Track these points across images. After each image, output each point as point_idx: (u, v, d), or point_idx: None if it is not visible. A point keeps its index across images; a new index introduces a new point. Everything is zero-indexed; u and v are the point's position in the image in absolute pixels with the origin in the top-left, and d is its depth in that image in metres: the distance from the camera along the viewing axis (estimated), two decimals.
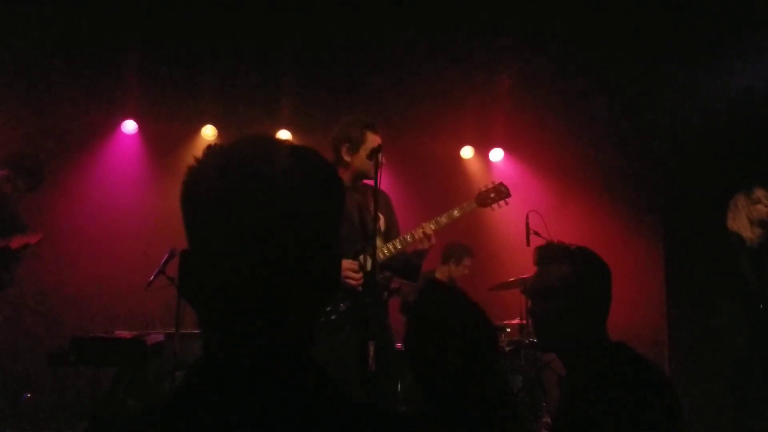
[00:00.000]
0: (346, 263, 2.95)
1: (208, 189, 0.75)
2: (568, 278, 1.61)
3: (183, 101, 5.17)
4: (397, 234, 3.16)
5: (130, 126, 5.29)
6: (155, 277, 3.54)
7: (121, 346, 3.29)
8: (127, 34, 4.78)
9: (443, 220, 3.14)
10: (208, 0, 4.50)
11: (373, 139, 3.09)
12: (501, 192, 3.43)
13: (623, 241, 5.39)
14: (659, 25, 4.65)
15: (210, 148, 0.80)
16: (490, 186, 3.43)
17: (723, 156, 4.77)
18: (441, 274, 4.76)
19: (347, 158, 3.10)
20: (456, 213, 3.22)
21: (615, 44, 4.92)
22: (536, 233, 4.19)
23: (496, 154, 5.95)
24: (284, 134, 5.41)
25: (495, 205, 3.42)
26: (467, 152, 5.93)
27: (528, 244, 4.20)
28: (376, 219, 2.96)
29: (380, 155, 2.92)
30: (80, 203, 5.02)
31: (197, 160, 0.79)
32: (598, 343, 1.59)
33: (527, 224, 4.22)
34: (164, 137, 5.27)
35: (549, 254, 1.69)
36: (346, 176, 3.10)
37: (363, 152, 3.07)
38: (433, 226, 3.07)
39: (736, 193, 3.96)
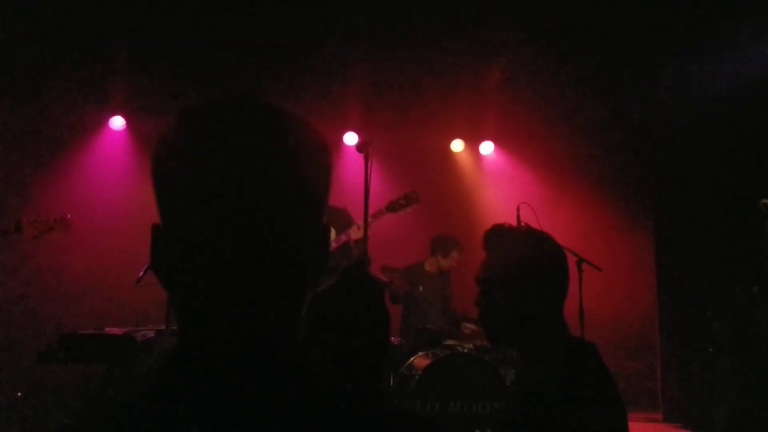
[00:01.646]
0: None
1: (180, 157, 0.68)
2: (518, 264, 1.48)
3: (171, 97, 5.13)
4: None
5: (118, 122, 5.26)
6: (144, 273, 3.50)
7: (111, 342, 3.25)
8: (115, 31, 4.74)
9: (360, 224, 3.68)
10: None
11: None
12: (410, 198, 4.06)
13: (614, 232, 5.41)
14: (651, 18, 4.66)
15: (183, 113, 0.71)
16: (401, 194, 4.07)
17: (713, 148, 4.78)
18: (429, 265, 4.76)
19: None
20: (370, 219, 3.64)
21: (606, 37, 4.93)
22: (527, 225, 4.19)
23: (487, 147, 5.95)
24: None
25: (404, 212, 4.04)
26: (458, 145, 5.93)
27: None
28: (366, 214, 3.04)
29: (369, 148, 2.94)
30: (69, 199, 4.98)
31: (169, 125, 0.70)
32: (556, 334, 1.47)
33: (518, 217, 4.21)
34: (152, 133, 5.22)
35: (497, 239, 1.55)
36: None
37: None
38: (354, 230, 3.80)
39: None
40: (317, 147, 0.73)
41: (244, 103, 0.72)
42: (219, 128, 0.69)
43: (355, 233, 3.81)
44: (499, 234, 1.55)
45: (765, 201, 3.46)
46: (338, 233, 3.88)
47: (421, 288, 4.56)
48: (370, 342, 1.19)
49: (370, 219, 3.56)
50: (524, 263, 1.48)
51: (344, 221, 3.95)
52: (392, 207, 4.00)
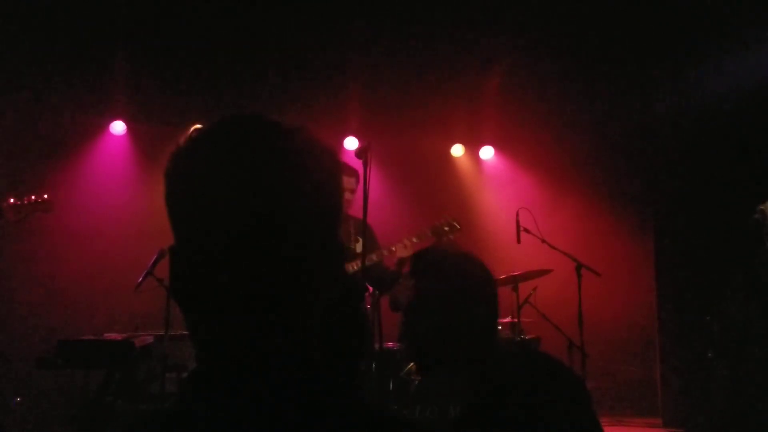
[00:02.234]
0: None
1: (195, 177, 0.68)
2: (445, 293, 1.42)
3: (171, 101, 5.15)
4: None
5: (118, 127, 5.26)
6: (144, 278, 3.51)
7: (110, 348, 3.26)
8: (115, 35, 4.76)
9: (414, 240, 3.77)
10: (196, 1, 4.49)
11: (345, 181, 3.41)
12: (454, 228, 3.97)
13: (614, 237, 5.40)
14: (650, 22, 4.67)
15: (196, 132, 0.72)
16: (444, 219, 3.97)
17: (714, 153, 4.79)
18: None
19: None
20: (414, 240, 3.81)
21: (605, 42, 4.94)
22: (526, 230, 4.19)
23: (487, 152, 5.95)
24: None
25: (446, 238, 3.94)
26: (458, 150, 5.93)
27: (518, 242, 4.21)
28: (366, 219, 3.07)
29: (368, 154, 2.95)
30: (69, 205, 4.97)
31: (181, 145, 0.70)
32: (489, 357, 1.41)
33: (518, 221, 4.22)
34: (153, 138, 5.23)
35: (422, 265, 1.50)
36: None
37: None
38: (408, 243, 3.74)
39: None
40: (331, 164, 0.73)
41: (253, 122, 0.72)
42: (230, 149, 0.68)
43: (402, 251, 3.77)
44: (424, 259, 1.52)
45: (762, 207, 3.45)
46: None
47: None
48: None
49: (414, 239, 3.75)
50: (450, 289, 1.43)
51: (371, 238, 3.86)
52: (437, 233, 3.94)
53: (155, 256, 3.51)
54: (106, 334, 3.63)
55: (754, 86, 4.56)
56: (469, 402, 1.39)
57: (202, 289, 0.68)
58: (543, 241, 4.15)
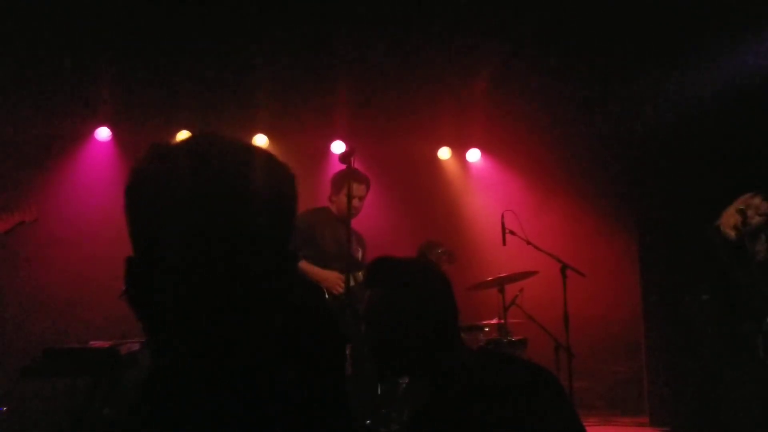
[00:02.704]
0: (335, 273, 3.67)
1: (154, 190, 0.71)
2: (402, 303, 1.43)
3: (157, 107, 5.14)
4: None
5: (104, 133, 5.25)
6: None
7: (95, 356, 3.24)
8: (100, 41, 4.73)
9: None
10: (181, 6, 4.48)
11: (355, 188, 3.61)
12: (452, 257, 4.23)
13: (598, 238, 5.45)
14: (632, 27, 4.71)
15: (154, 147, 0.75)
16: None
17: (696, 155, 4.84)
18: None
19: (333, 199, 3.91)
20: None
21: (589, 45, 4.97)
22: (512, 232, 4.22)
23: (473, 155, 5.98)
24: (260, 139, 5.39)
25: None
26: (444, 153, 5.96)
27: (504, 243, 4.23)
28: (350, 229, 3.11)
29: (352, 158, 2.97)
30: (54, 211, 4.96)
31: (141, 160, 0.74)
32: (451, 361, 1.41)
33: (503, 224, 4.25)
34: (139, 144, 5.21)
35: (379, 274, 1.50)
36: (334, 210, 3.91)
37: (342, 196, 3.67)
38: None
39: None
40: (282, 177, 0.77)
41: (212, 139, 0.75)
42: (187, 165, 0.71)
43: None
44: (380, 269, 1.51)
45: (741, 208, 3.51)
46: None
47: None
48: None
49: None
50: (406, 297, 1.44)
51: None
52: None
53: None
54: (92, 342, 3.61)
55: (735, 92, 4.62)
56: (422, 406, 1.39)
57: (160, 299, 0.70)
58: (528, 242, 4.18)
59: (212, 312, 0.70)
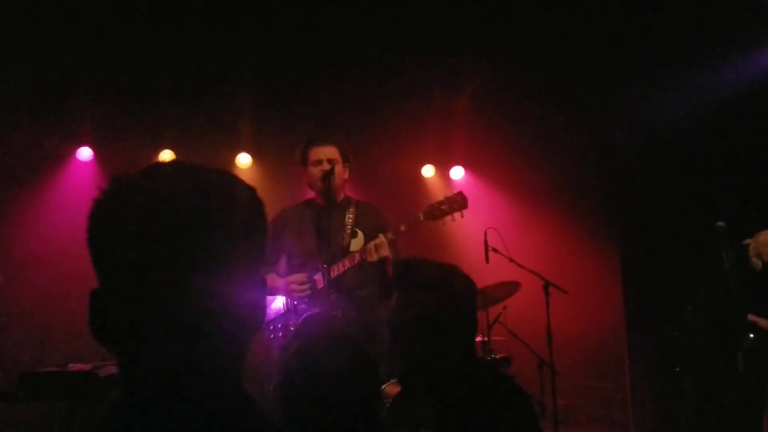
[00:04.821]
0: (294, 277, 3.05)
1: (106, 221, 0.72)
2: (430, 306, 1.40)
3: (140, 126, 5.12)
4: None
5: (85, 153, 5.21)
6: None
7: (73, 379, 3.20)
8: (82, 61, 4.73)
9: (389, 235, 3.08)
10: (163, 25, 4.49)
11: (314, 153, 3.16)
12: (454, 203, 3.17)
13: (582, 255, 5.47)
14: (614, 44, 4.79)
15: (116, 180, 0.76)
16: (443, 198, 3.23)
17: (677, 171, 4.91)
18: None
19: (306, 180, 3.25)
20: (402, 228, 3.11)
21: (572, 64, 5.05)
22: (495, 250, 4.24)
23: (457, 172, 6.01)
24: (243, 158, 5.38)
25: (449, 218, 3.20)
26: (428, 171, 5.98)
27: (487, 261, 4.24)
28: (329, 237, 2.98)
29: (332, 178, 2.96)
30: (35, 232, 4.90)
31: (104, 192, 0.75)
32: (467, 367, 1.42)
33: (485, 241, 4.26)
34: (121, 163, 5.19)
35: (406, 278, 1.47)
36: (317, 199, 3.24)
37: (309, 168, 3.17)
38: (390, 236, 3.06)
39: None
40: (248, 202, 0.76)
41: (172, 168, 0.77)
42: (151, 194, 0.72)
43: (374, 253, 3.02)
44: (408, 273, 1.48)
45: (721, 224, 3.55)
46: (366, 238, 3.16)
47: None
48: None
49: (403, 228, 3.04)
50: (435, 304, 1.41)
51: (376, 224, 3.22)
52: (431, 214, 3.15)
53: None
54: (70, 365, 3.56)
55: (715, 106, 4.70)
56: (439, 426, 1.38)
57: (124, 327, 0.71)
58: (511, 260, 4.19)
59: (173, 340, 0.70)
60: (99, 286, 0.74)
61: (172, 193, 0.72)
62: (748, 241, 3.14)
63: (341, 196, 3.28)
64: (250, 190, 0.78)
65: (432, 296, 1.42)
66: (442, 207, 3.17)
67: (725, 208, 3.99)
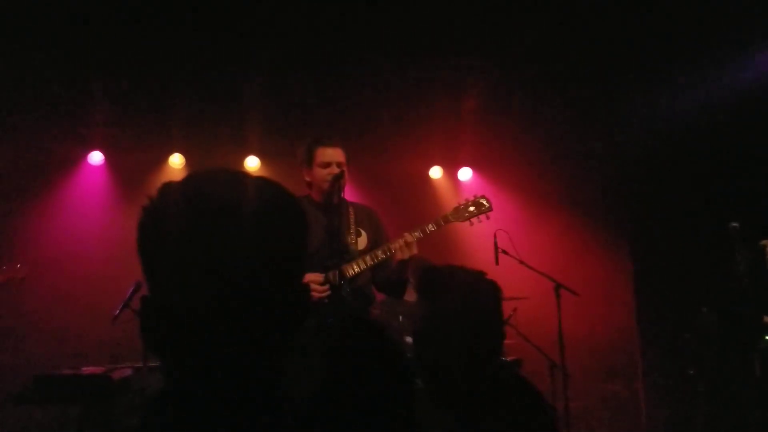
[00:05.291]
0: (310, 276, 2.95)
1: (168, 230, 0.73)
2: (462, 313, 1.37)
3: (149, 130, 5.15)
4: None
5: (96, 157, 5.25)
6: (121, 310, 3.48)
7: (86, 382, 3.22)
8: (92, 65, 4.76)
9: (417, 234, 3.08)
10: (174, 29, 4.51)
11: (322, 153, 3.10)
12: (481, 206, 3.29)
13: (592, 257, 5.45)
14: (623, 45, 4.78)
15: (165, 186, 0.77)
16: (471, 199, 3.33)
17: (688, 172, 4.88)
18: (409, 295, 4.73)
19: (308, 179, 3.17)
20: (430, 227, 3.13)
21: (580, 63, 5.03)
22: (504, 252, 4.23)
23: (465, 174, 6.00)
24: (252, 161, 5.40)
25: (474, 219, 3.29)
26: (436, 172, 5.97)
27: (497, 263, 4.23)
28: (338, 237, 2.97)
29: (342, 181, 2.96)
30: (46, 236, 4.94)
31: (153, 199, 0.76)
32: (492, 374, 1.39)
33: (495, 243, 4.25)
34: (132, 167, 5.23)
35: (434, 285, 1.42)
36: (315, 196, 3.15)
37: (316, 168, 3.10)
38: (410, 239, 3.03)
39: None
40: (291, 208, 0.79)
41: (217, 177, 0.77)
42: (199, 203, 0.74)
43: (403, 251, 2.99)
44: (434, 278, 1.44)
45: (734, 225, 3.53)
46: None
47: (401, 318, 4.49)
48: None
49: (431, 228, 3.07)
50: (462, 310, 1.38)
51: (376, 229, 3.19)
52: (459, 215, 3.22)
53: (132, 288, 3.48)
54: (84, 368, 3.58)
55: (725, 106, 4.67)
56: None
57: (177, 333, 0.73)
58: (521, 262, 4.18)
59: (225, 347, 0.72)
60: (149, 292, 0.75)
61: (218, 199, 0.74)
62: (765, 242, 3.12)
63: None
64: (294, 199, 0.81)
65: (459, 302, 1.40)
66: (470, 209, 3.26)
67: (738, 208, 3.97)
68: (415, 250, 3.01)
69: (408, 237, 3.00)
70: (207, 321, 0.71)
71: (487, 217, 3.33)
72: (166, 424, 0.71)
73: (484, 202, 3.29)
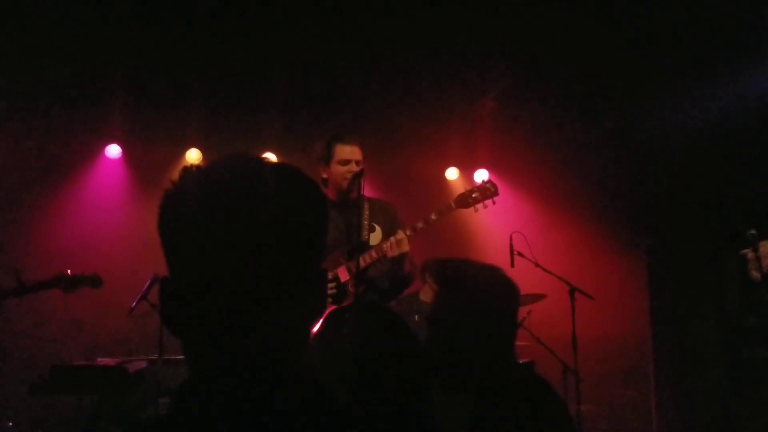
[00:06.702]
0: None
1: (187, 212, 0.74)
2: (476, 305, 1.41)
3: (167, 125, 5.18)
4: None
5: (114, 150, 5.29)
6: (137, 303, 3.51)
7: (103, 374, 3.25)
8: (110, 59, 4.80)
9: (420, 225, 3.09)
10: (191, 24, 4.54)
11: (341, 151, 3.11)
12: (486, 191, 3.22)
13: (608, 260, 5.42)
14: (641, 47, 4.75)
15: (186, 171, 0.78)
16: (476, 185, 3.30)
17: (705, 176, 4.85)
18: (424, 294, 4.73)
19: (325, 176, 3.17)
20: (433, 216, 3.13)
21: (599, 67, 5.01)
22: (520, 254, 4.22)
23: (481, 175, 5.99)
24: (269, 156, 5.43)
25: (480, 206, 3.24)
26: (452, 173, 5.97)
27: (512, 266, 4.22)
28: (359, 233, 2.99)
29: (362, 180, 2.96)
30: (64, 228, 4.99)
31: (174, 183, 0.77)
32: (508, 369, 1.42)
33: (511, 245, 4.24)
34: (149, 161, 5.27)
35: (453, 275, 1.46)
36: (331, 194, 3.16)
37: (335, 166, 3.10)
38: (408, 233, 3.04)
39: None
40: (313, 195, 0.79)
41: (238, 162, 0.78)
42: (218, 186, 0.75)
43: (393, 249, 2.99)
44: (454, 270, 1.48)
45: (753, 231, 3.50)
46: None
47: (416, 317, 4.48)
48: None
49: (433, 217, 3.07)
50: (482, 303, 1.41)
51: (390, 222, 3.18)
52: (463, 202, 3.19)
53: (149, 281, 3.51)
54: (99, 359, 3.62)
55: (743, 109, 4.64)
56: (474, 425, 1.38)
57: (196, 316, 0.73)
58: (536, 264, 4.17)
59: (245, 331, 0.72)
60: (169, 274, 0.76)
61: (238, 184, 0.74)
62: (745, 251, 3.09)
63: None
64: (313, 183, 0.80)
65: (476, 295, 1.43)
66: (474, 194, 3.21)
67: (756, 215, 3.93)
68: (406, 248, 2.99)
69: (398, 235, 3.00)
70: (225, 299, 0.72)
71: (493, 202, 3.25)
72: (192, 414, 0.71)
73: (489, 187, 3.24)
